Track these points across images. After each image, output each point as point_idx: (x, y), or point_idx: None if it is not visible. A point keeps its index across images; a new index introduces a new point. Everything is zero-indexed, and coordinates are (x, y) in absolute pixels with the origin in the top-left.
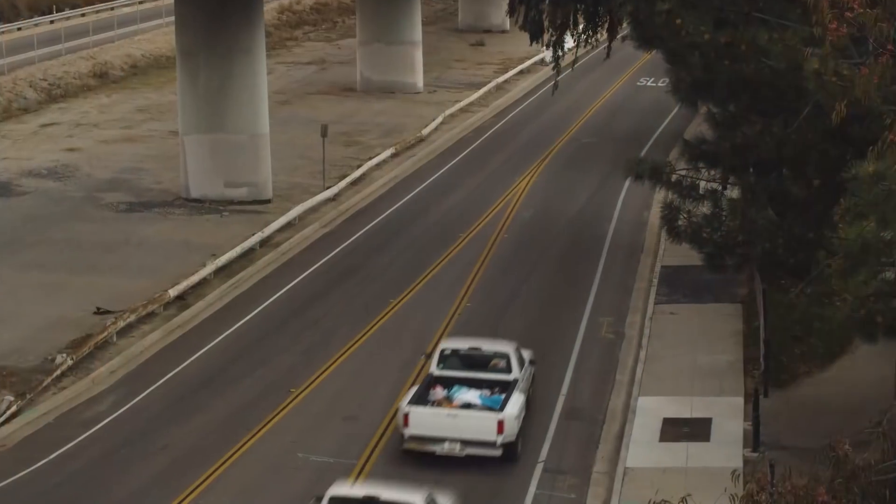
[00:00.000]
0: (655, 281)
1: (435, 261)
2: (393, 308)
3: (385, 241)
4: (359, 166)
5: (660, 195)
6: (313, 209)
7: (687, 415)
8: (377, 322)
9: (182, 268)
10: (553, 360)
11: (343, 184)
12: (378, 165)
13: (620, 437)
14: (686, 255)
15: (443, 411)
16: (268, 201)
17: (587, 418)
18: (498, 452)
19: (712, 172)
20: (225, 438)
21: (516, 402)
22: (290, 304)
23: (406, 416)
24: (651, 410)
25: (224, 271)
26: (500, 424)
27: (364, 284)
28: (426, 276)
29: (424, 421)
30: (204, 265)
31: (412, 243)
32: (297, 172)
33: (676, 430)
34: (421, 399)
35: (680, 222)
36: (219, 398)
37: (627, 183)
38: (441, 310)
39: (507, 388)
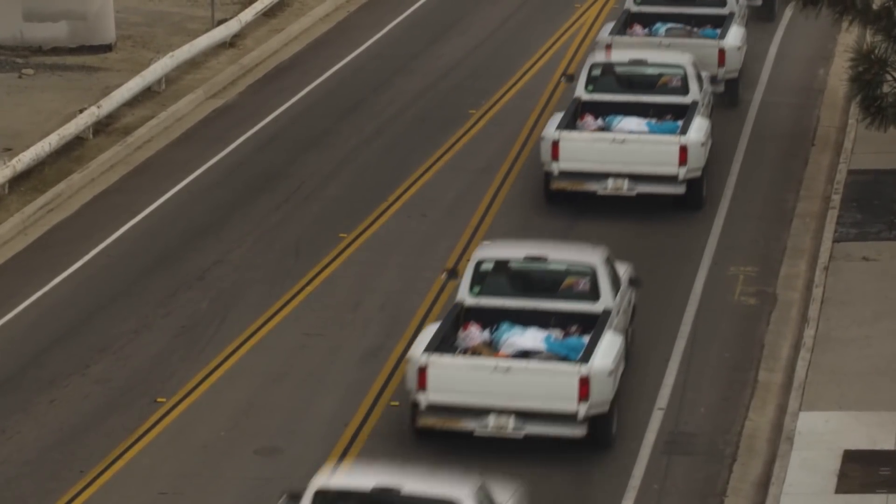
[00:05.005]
0: (837, 199)
1: (424, 161)
2: (345, 249)
3: (331, 125)
4: None
5: (848, 37)
6: (193, 63)
7: (888, 446)
8: (315, 276)
9: None
10: (646, 345)
11: (248, 14)
12: None
13: (765, 485)
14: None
15: (604, 137)
16: (107, 48)
17: (703, 451)
18: (681, 190)
19: None
20: (35, 488)
21: (700, 127)
22: (152, 243)
23: (556, 144)
24: (822, 437)
25: (27, 181)
26: (683, 151)
27: (291, 206)
28: (405, 190)
29: (579, 152)
30: None
31: (381, 128)
32: None
33: (868, 472)
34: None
35: (886, 88)
36: (27, 416)
37: (788, 14)
38: (432, 256)
39: (684, 112)
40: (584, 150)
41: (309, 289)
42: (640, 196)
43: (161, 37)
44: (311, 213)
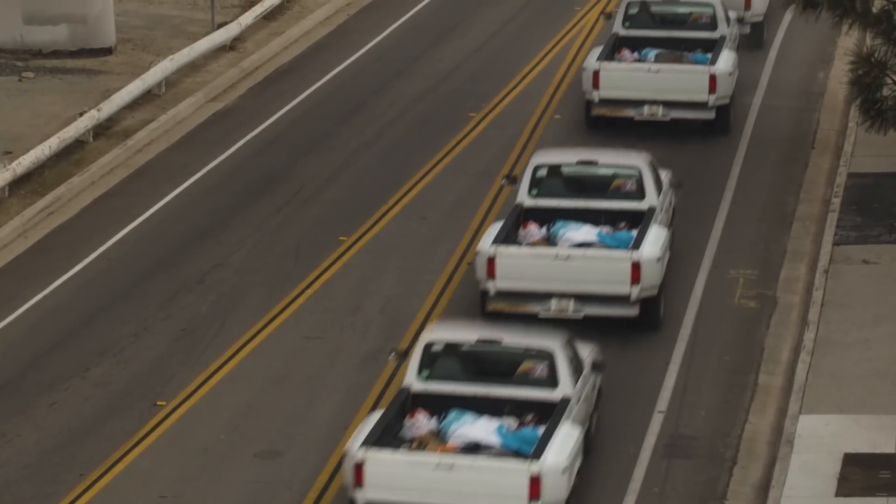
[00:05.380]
0: (837, 202)
1: (424, 164)
2: (345, 253)
3: (331, 128)
4: None
5: (848, 41)
6: (193, 66)
7: (888, 449)
8: (315, 279)
9: None
10: (646, 348)
11: (248, 17)
12: None
13: (765, 488)
14: (894, 155)
15: (641, 67)
16: (108, 51)
17: (703, 454)
18: (711, 115)
19: None
20: (35, 492)
21: (728, 58)
22: (152, 246)
23: (596, 74)
24: (822, 441)
25: (27, 184)
26: (713, 80)
27: (291, 210)
28: (405, 193)
29: (618, 80)
30: None
31: (381, 131)
32: None
33: (869, 475)
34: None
35: (886, 92)
36: (27, 419)
37: (788, 17)
38: (431, 259)
39: (713, 46)
40: (622, 80)
41: (309, 292)
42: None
43: (161, 40)
44: (310, 216)
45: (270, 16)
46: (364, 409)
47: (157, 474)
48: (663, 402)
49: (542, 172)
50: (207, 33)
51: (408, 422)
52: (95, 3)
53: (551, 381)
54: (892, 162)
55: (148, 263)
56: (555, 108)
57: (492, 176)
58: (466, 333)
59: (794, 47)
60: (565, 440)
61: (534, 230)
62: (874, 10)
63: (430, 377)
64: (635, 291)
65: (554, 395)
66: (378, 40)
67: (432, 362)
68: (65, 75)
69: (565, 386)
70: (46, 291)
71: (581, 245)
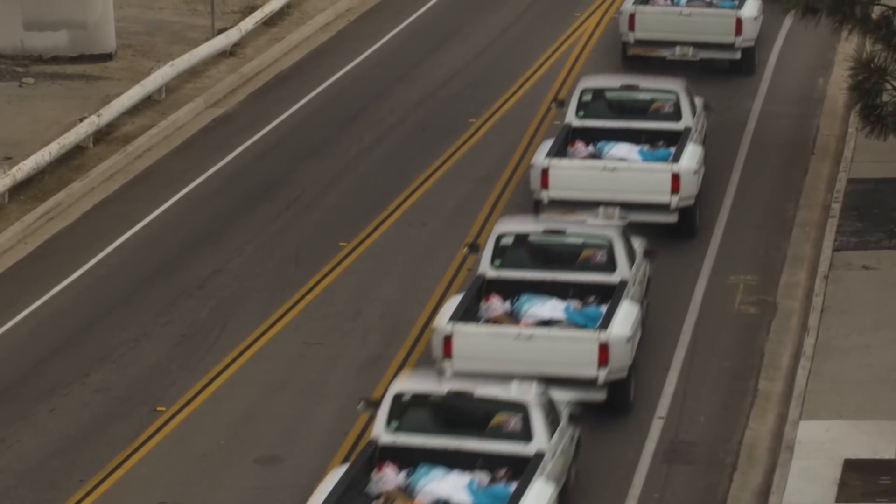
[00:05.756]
0: (837, 208)
1: (424, 170)
2: (345, 258)
3: (331, 134)
4: None
5: (847, 46)
6: (193, 72)
7: (889, 454)
8: (315, 285)
9: None
10: (646, 354)
11: (249, 23)
12: None
13: (766, 494)
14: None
15: (673, 11)
16: (108, 57)
17: (703, 460)
18: (737, 55)
19: None
20: (34, 498)
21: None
22: (152, 252)
23: (632, 16)
24: (822, 446)
25: (27, 190)
26: (739, 24)
27: (291, 215)
28: (405, 199)
29: (651, 23)
30: None
31: (381, 137)
32: (162, 1)
33: (869, 481)
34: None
35: (886, 97)
36: (27, 425)
37: (787, 23)
38: (431, 265)
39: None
40: (655, 21)
41: (309, 298)
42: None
43: (161, 46)
44: (310, 221)
45: (270, 21)
46: (364, 414)
47: (157, 480)
48: (663, 407)
49: (508, 241)
50: (207, 39)
51: (375, 476)
52: (95, 8)
53: (525, 434)
54: (892, 167)
55: (148, 269)
56: (554, 114)
57: (492, 181)
58: (437, 385)
59: (793, 53)
60: (537, 498)
61: (496, 303)
62: (874, 15)
63: (398, 429)
64: (602, 374)
65: (528, 449)
66: (378, 46)
67: (402, 413)
68: (65, 81)
69: (540, 440)
70: (46, 297)
71: (546, 322)
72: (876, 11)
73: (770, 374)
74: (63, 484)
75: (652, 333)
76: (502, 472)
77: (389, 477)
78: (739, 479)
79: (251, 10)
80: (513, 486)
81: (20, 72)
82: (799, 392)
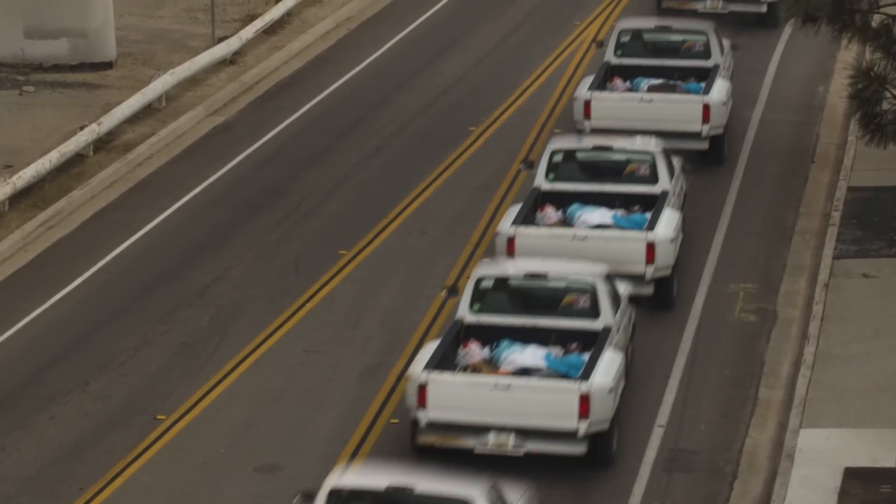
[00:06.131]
0: (837, 216)
1: (424, 178)
2: (345, 266)
3: (331, 142)
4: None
5: (847, 55)
6: (193, 80)
7: (889, 463)
8: (315, 293)
9: None
10: (646, 361)
11: (249, 31)
12: None
13: (766, 502)
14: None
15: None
16: (108, 65)
17: (703, 468)
18: (704, 146)
19: None
20: None
21: (721, 87)
22: (152, 260)
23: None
24: (823, 455)
25: (28, 198)
26: (706, 110)
27: (291, 223)
28: (405, 207)
29: (609, 111)
30: None
31: (381, 146)
32: (163, 9)
33: (869, 489)
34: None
35: (886, 105)
36: (27, 433)
37: (787, 32)
38: (431, 273)
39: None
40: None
41: (309, 306)
42: None
43: (161, 54)
44: (310, 230)
45: (271, 30)
46: (364, 422)
47: (157, 488)
48: (663, 416)
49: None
50: (208, 47)
51: (461, 351)
52: (96, 17)
53: (593, 311)
54: (892, 175)
55: (148, 277)
56: (554, 122)
57: (491, 190)
58: (513, 268)
59: (793, 61)
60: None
61: (475, 349)
62: (873, 24)
63: (480, 310)
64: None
65: (596, 324)
66: (378, 55)
67: (483, 296)
68: (65, 89)
69: (606, 316)
70: (46, 305)
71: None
72: (876, 20)
73: (770, 382)
74: (63, 492)
75: (652, 342)
76: (574, 345)
77: (475, 352)
78: (740, 488)
79: (251, 18)
80: (585, 357)
81: (21, 80)
82: (799, 400)
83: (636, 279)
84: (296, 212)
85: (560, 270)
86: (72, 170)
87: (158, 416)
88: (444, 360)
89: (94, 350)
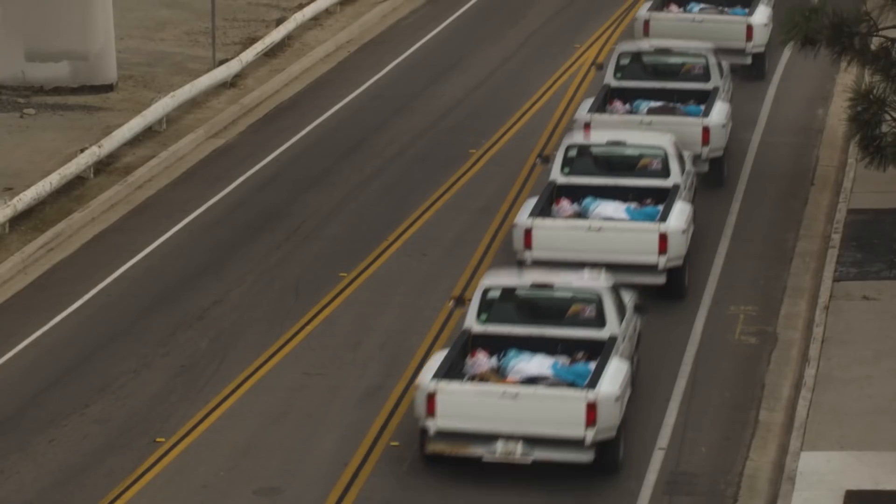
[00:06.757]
0: (837, 238)
1: (424, 201)
2: (345, 289)
3: (331, 165)
4: (279, 22)
5: (847, 77)
6: (194, 103)
7: (890, 486)
8: (315, 315)
9: None
10: (647, 385)
11: (249, 54)
12: (316, 20)
13: None
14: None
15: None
16: (109, 88)
17: (704, 491)
18: (704, 168)
19: None
20: None
21: (721, 110)
22: (152, 282)
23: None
24: (824, 477)
25: (28, 220)
26: (706, 132)
27: (291, 246)
28: (406, 230)
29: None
30: None
31: (381, 168)
32: (164, 32)
33: None
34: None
35: (885, 128)
36: (26, 456)
37: (786, 54)
38: (432, 295)
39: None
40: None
41: (309, 328)
42: None
43: (162, 77)
44: (311, 252)
45: (271, 53)
46: (364, 445)
47: None
48: (664, 438)
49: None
50: (208, 70)
51: (469, 361)
52: (97, 40)
53: (599, 321)
54: (892, 198)
55: (148, 300)
56: (554, 145)
57: (492, 212)
58: (520, 279)
59: (793, 84)
60: (617, 372)
61: (482, 359)
62: (873, 46)
63: (487, 320)
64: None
65: (602, 334)
66: (378, 77)
67: (490, 306)
68: (66, 112)
69: (612, 325)
70: (46, 328)
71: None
72: (875, 42)
73: (771, 404)
74: None
75: (653, 364)
76: (580, 354)
77: (482, 361)
78: None
79: (252, 41)
80: (591, 365)
81: (21, 102)
82: (800, 423)
83: (649, 269)
84: (296, 234)
85: (566, 281)
86: (72, 192)
87: (158, 439)
88: (453, 370)
89: (93, 372)
